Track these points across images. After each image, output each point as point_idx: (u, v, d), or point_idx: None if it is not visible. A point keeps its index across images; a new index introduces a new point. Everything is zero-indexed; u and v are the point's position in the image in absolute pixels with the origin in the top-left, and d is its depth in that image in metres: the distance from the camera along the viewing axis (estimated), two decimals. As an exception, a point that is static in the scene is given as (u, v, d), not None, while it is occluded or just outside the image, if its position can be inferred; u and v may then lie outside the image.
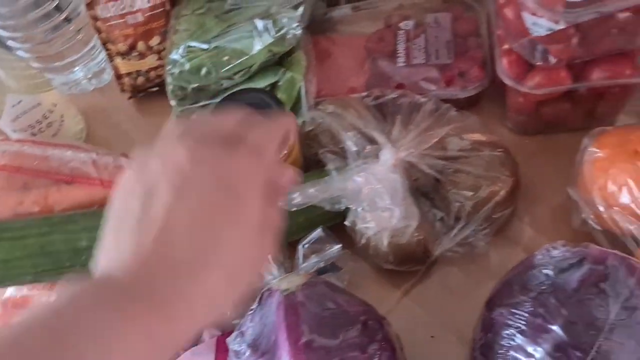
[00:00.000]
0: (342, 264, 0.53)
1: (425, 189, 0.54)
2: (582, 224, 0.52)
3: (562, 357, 0.40)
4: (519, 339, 0.42)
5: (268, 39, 0.55)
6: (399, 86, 0.61)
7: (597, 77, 0.53)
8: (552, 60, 0.51)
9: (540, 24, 0.45)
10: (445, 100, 0.60)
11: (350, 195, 0.51)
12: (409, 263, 0.53)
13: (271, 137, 0.36)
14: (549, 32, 0.45)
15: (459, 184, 0.53)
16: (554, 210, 0.57)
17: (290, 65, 0.59)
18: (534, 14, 0.44)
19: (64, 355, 0.25)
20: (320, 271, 0.52)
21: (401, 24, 0.65)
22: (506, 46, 0.54)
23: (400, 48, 0.63)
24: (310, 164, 0.58)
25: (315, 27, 0.69)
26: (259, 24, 0.55)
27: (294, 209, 0.50)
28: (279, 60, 0.60)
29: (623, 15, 0.47)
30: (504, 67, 0.54)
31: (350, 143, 0.53)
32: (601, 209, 0.50)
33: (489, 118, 0.64)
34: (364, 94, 0.60)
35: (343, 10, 0.68)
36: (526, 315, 0.42)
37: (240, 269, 0.32)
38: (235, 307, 0.33)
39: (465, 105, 0.62)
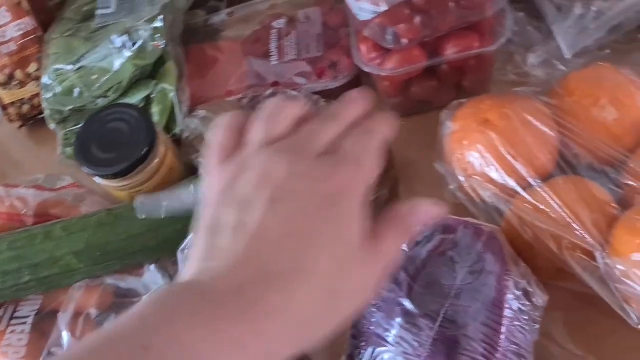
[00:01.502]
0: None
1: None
2: (453, 196, 0.54)
3: (414, 328, 0.41)
4: (378, 316, 0.43)
5: (127, 54, 0.55)
6: (275, 84, 0.62)
7: (450, 52, 0.54)
8: (404, 41, 0.53)
9: (365, 9, 0.46)
10: (321, 93, 0.61)
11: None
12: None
13: (372, 148, 0.33)
14: (374, 15, 0.46)
15: (330, 173, 0.54)
16: (432, 186, 0.58)
17: (161, 76, 0.60)
18: (356, 1, 0.46)
19: None
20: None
21: (274, 23, 0.66)
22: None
23: (273, 47, 0.64)
24: (192, 171, 0.58)
25: (196, 35, 0.70)
26: (116, 40, 0.55)
27: (165, 215, 0.50)
28: (151, 73, 0.61)
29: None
30: (361, 54, 0.56)
31: (219, 146, 0.54)
32: (462, 179, 0.51)
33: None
34: (240, 95, 0.61)
35: (220, 17, 0.69)
36: (382, 292, 0.44)
37: (342, 291, 0.30)
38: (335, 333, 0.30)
39: (340, 95, 0.63)
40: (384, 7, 0.46)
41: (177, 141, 0.60)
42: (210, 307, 0.26)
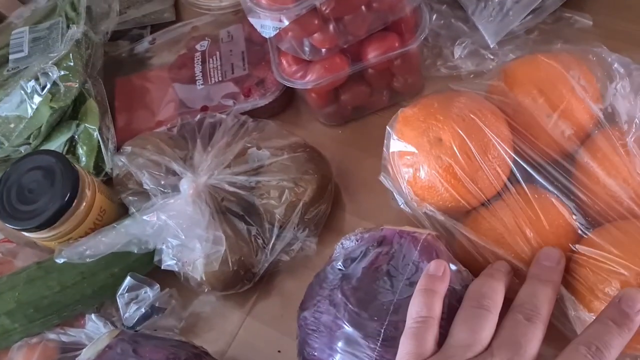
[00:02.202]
0: (166, 303, 0.52)
1: (236, 208, 0.53)
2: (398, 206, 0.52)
3: (356, 350, 0.39)
4: (320, 341, 0.41)
5: (38, 99, 0.53)
6: (203, 109, 0.60)
7: (372, 55, 0.53)
8: (322, 51, 0.51)
9: (267, 25, 0.44)
10: (252, 112, 0.60)
11: (152, 234, 0.50)
12: (236, 285, 0.52)
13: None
14: (277, 31, 0.45)
15: (265, 195, 0.52)
16: (375, 194, 0.56)
17: (83, 115, 0.58)
18: (257, 18, 0.44)
19: None
20: (145, 316, 0.50)
21: (197, 46, 0.64)
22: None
23: (198, 70, 0.62)
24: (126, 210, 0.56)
25: (122, 67, 0.68)
26: (26, 85, 0.53)
27: (88, 260, 0.48)
28: (73, 114, 0.58)
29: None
30: (282, 69, 0.54)
31: (147, 181, 0.52)
32: (412, 204, 0.47)
33: (305, 116, 0.64)
34: (168, 125, 0.59)
35: (144, 45, 0.67)
36: (322, 315, 0.42)
37: None
38: None
39: (275, 111, 0.62)
40: (285, 22, 0.44)
41: (110, 180, 0.58)
42: None
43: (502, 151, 0.44)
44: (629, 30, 0.59)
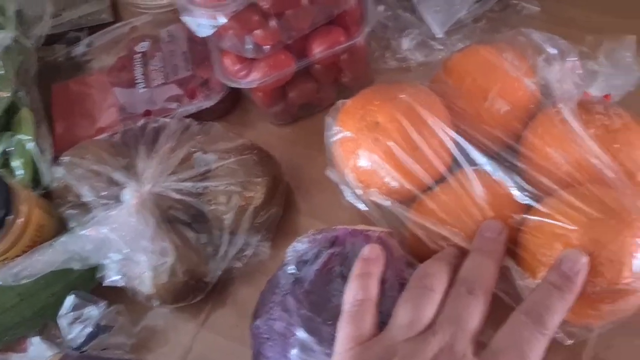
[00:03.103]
0: (113, 320, 0.49)
1: (183, 216, 0.51)
2: (351, 202, 0.51)
3: (311, 357, 0.38)
4: (274, 350, 0.40)
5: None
6: (146, 113, 0.57)
7: (318, 50, 0.51)
8: (265, 48, 0.49)
9: (203, 24, 0.42)
10: (198, 114, 0.57)
11: (93, 250, 0.47)
12: (187, 296, 0.50)
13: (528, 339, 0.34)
14: (214, 30, 0.42)
15: (213, 201, 0.50)
16: (328, 192, 0.55)
17: (17, 126, 0.54)
18: (192, 16, 0.42)
19: None
20: (92, 336, 0.48)
21: (137, 47, 0.61)
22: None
23: (139, 73, 0.59)
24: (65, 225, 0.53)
25: (59, 72, 0.64)
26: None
27: (24, 280, 0.45)
28: (6, 125, 0.55)
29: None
30: (224, 68, 0.52)
31: (87, 193, 0.49)
32: (358, 191, 0.46)
33: (253, 116, 0.61)
34: (110, 132, 0.56)
35: (80, 49, 0.64)
36: (275, 322, 0.40)
37: None
38: None
39: (222, 112, 0.60)
40: (222, 20, 0.42)
41: (49, 193, 0.55)
42: None
43: (439, 131, 0.44)
44: (574, 16, 0.59)
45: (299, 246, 0.43)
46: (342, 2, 0.49)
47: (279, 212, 0.53)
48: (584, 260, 0.36)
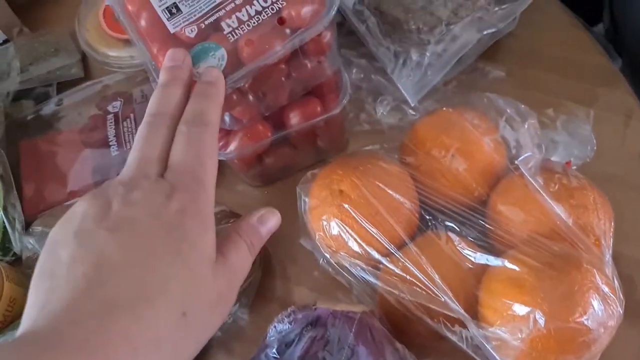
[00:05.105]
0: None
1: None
2: (325, 267, 0.52)
3: None
4: None
5: None
6: (120, 176, 0.57)
7: (295, 121, 0.52)
8: (244, 121, 0.50)
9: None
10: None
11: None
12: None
13: (204, 151, 0.33)
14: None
15: (191, 272, 0.50)
16: (305, 255, 0.55)
17: (-15, 194, 0.53)
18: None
19: None
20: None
21: (109, 107, 0.60)
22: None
23: (111, 134, 0.58)
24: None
25: (27, 130, 0.63)
26: None
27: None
28: (-27, 192, 0.54)
29: (280, 67, 0.46)
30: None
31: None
32: (328, 256, 0.49)
33: (229, 178, 0.61)
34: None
35: (50, 107, 0.62)
36: (259, 410, 0.41)
37: (194, 310, 0.30)
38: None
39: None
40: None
41: (19, 260, 0.53)
42: (48, 351, 0.25)
43: (399, 197, 0.47)
44: (538, 79, 0.62)
45: (280, 326, 0.44)
46: (319, 75, 0.50)
47: (258, 279, 0.53)
48: (219, 71, 0.37)
